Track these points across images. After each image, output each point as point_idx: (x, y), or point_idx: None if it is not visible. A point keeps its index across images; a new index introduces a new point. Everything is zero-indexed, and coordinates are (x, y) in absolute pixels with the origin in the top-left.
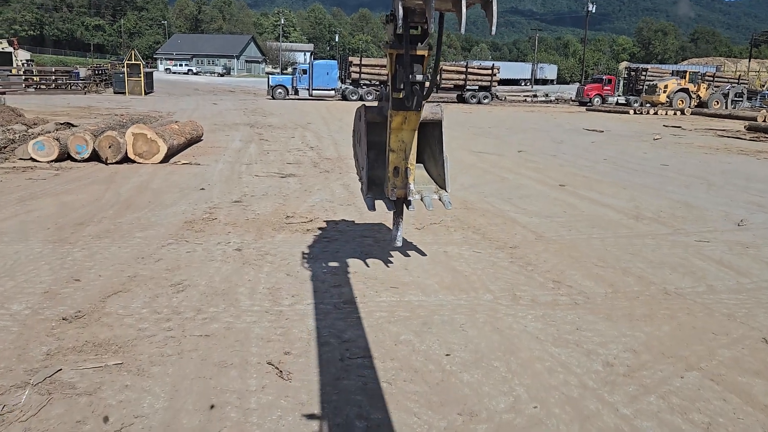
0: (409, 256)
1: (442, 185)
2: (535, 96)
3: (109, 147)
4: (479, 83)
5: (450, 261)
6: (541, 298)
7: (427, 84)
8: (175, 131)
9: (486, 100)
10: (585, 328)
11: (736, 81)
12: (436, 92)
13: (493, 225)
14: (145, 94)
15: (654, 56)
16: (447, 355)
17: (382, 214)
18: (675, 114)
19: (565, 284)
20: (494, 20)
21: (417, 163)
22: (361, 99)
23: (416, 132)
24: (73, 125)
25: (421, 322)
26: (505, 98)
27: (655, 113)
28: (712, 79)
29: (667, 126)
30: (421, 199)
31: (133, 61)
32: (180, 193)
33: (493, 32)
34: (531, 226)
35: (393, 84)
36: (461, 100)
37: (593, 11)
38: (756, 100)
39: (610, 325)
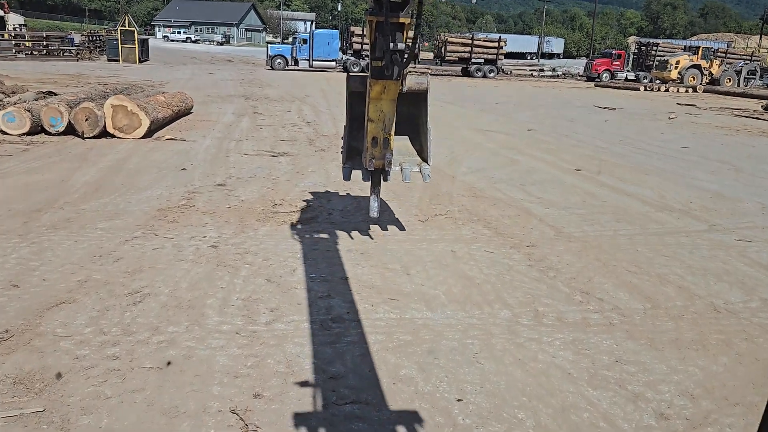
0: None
1: (424, 158)
2: (541, 70)
3: (86, 120)
4: (485, 56)
5: (458, 264)
6: (569, 316)
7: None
8: (161, 103)
9: (492, 74)
10: (626, 359)
11: (749, 58)
12: (416, 63)
13: (506, 217)
14: (140, 62)
15: (662, 31)
16: (459, 400)
17: (383, 209)
18: (687, 91)
19: (595, 296)
20: None
21: (402, 134)
22: (363, 71)
23: (395, 102)
24: (54, 94)
25: (426, 349)
26: (511, 72)
27: (666, 90)
28: (724, 55)
29: (680, 104)
30: (401, 171)
31: (127, 28)
32: (158, 173)
33: (474, 0)
34: (548, 218)
35: (373, 52)
36: (466, 73)
37: None
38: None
39: (656, 356)
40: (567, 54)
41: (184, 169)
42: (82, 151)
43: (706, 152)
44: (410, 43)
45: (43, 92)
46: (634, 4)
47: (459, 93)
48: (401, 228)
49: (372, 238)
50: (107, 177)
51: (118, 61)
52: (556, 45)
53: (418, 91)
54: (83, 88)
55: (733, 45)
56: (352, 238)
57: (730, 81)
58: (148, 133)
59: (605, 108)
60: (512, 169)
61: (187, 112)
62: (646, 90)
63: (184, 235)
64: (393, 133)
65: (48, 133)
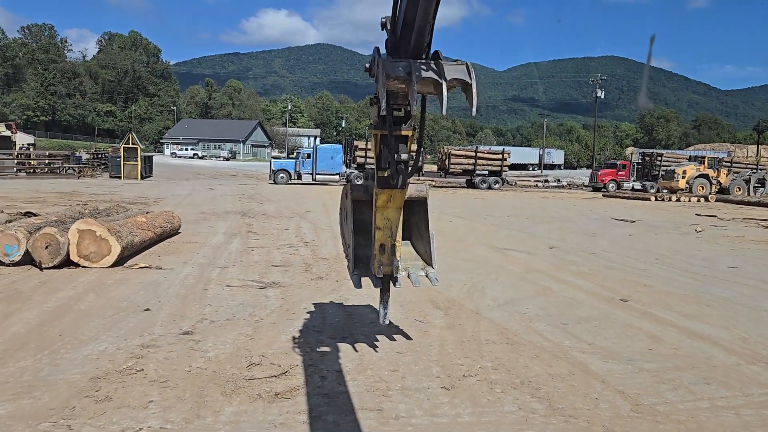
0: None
1: (428, 261)
2: (546, 181)
3: (46, 248)
4: (489, 168)
5: None
6: None
7: (411, 163)
8: (141, 225)
9: (497, 186)
10: None
11: (755, 167)
12: (420, 175)
13: (557, 378)
14: (142, 178)
15: (658, 142)
16: None
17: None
18: (699, 201)
19: None
20: (474, 102)
21: (404, 240)
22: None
23: (402, 210)
24: (34, 215)
25: None
26: (516, 183)
27: (678, 200)
28: (729, 164)
29: (700, 215)
30: (408, 276)
31: (131, 145)
32: (113, 317)
33: (473, 114)
34: (614, 380)
35: (378, 163)
36: (471, 185)
37: (602, 97)
38: None
39: None
40: (567, 165)
41: (147, 309)
42: (32, 287)
43: (760, 274)
44: (413, 154)
45: (22, 213)
46: (626, 117)
47: (467, 205)
48: (421, 403)
49: (381, 423)
50: (46, 324)
51: (120, 177)
52: (557, 156)
53: (419, 198)
54: (58, 209)
55: (732, 155)
56: (350, 425)
57: (740, 190)
58: (120, 261)
59: (623, 220)
60: (546, 300)
61: (173, 233)
62: (657, 200)
63: (111, 428)
64: (400, 239)
65: (2, 264)
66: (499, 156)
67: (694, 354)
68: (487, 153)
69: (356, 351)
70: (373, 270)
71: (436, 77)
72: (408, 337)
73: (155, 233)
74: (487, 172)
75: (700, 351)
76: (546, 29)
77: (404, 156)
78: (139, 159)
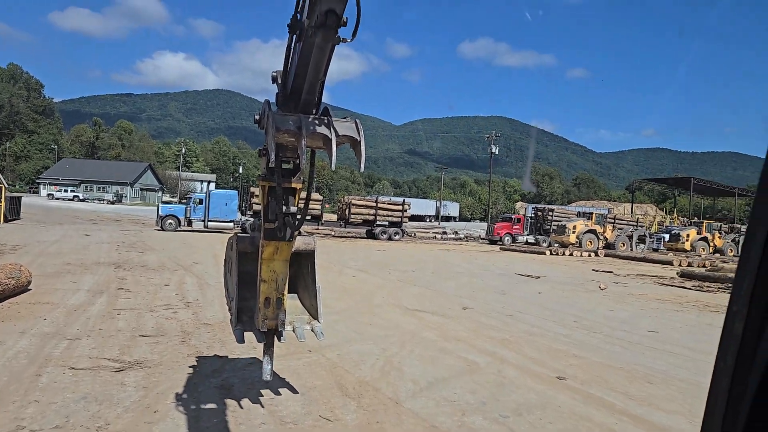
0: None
1: (314, 315)
2: (444, 233)
3: None
4: (389, 218)
5: None
6: None
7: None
8: None
9: (397, 237)
10: None
11: (635, 223)
12: (319, 224)
13: None
14: (6, 221)
15: (543, 197)
16: None
17: None
18: (589, 255)
19: None
20: (363, 159)
21: (290, 293)
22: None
23: (288, 262)
24: None
25: None
26: (415, 234)
27: (571, 254)
28: (613, 221)
29: (597, 270)
30: (293, 331)
31: None
32: None
33: (362, 170)
34: None
35: (265, 215)
36: (371, 235)
37: (496, 153)
38: (653, 242)
39: None
40: (462, 217)
41: None
42: None
43: (680, 339)
44: (302, 206)
45: None
46: (514, 173)
47: (369, 258)
48: None
49: None
50: None
51: None
52: (452, 209)
53: (306, 251)
54: None
55: (613, 212)
56: None
57: (624, 245)
58: None
59: (528, 276)
60: (474, 380)
61: (18, 291)
62: (551, 254)
63: None
64: (286, 293)
65: None
66: (400, 207)
67: None
68: (388, 204)
69: None
70: (257, 324)
71: (326, 133)
72: None
73: None
74: (387, 223)
75: None
76: (440, 87)
77: (293, 208)
78: (2, 199)
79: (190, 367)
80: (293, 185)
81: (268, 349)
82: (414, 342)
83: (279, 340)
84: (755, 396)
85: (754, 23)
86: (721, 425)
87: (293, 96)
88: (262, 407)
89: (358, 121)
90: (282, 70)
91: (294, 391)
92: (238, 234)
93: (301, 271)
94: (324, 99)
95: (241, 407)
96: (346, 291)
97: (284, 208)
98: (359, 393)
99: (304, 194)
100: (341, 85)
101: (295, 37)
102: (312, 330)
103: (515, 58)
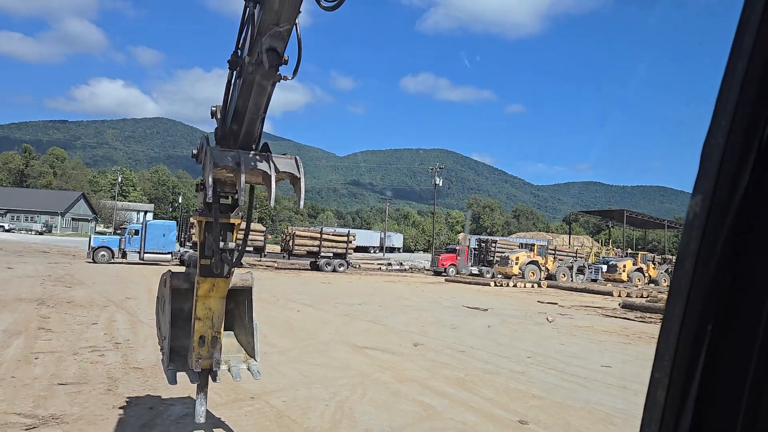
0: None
1: (251, 354)
2: (389, 264)
3: None
4: (334, 250)
5: None
6: None
7: (237, 252)
8: None
9: (341, 268)
10: None
11: (575, 255)
12: (262, 256)
13: None
14: None
15: (484, 229)
16: None
17: None
18: (533, 286)
19: None
20: (302, 195)
21: (226, 330)
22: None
23: (225, 299)
24: None
25: None
26: (360, 266)
27: (515, 285)
28: (554, 252)
29: (542, 302)
30: (229, 370)
31: None
32: None
33: (301, 206)
34: None
35: (202, 251)
36: (315, 267)
37: (440, 184)
38: (592, 272)
39: None
40: (406, 248)
41: None
42: None
43: (637, 373)
44: (240, 242)
45: None
46: (455, 205)
47: (314, 291)
48: None
49: None
50: None
51: None
52: (396, 240)
53: (243, 287)
54: None
55: (553, 243)
56: None
57: (564, 276)
58: None
59: (476, 308)
60: (434, 428)
61: None
62: (495, 285)
63: None
64: (222, 331)
65: None
66: (345, 238)
67: None
68: (333, 235)
69: None
70: (191, 364)
71: (265, 170)
72: None
73: None
74: (332, 255)
75: None
76: (383, 120)
77: (231, 244)
78: None
79: (113, 422)
80: (231, 220)
81: (202, 390)
82: (366, 384)
83: (214, 380)
84: None
85: (679, 73)
86: None
87: (232, 131)
88: None
89: (297, 157)
90: (222, 105)
91: None
92: (172, 270)
93: (238, 308)
94: (267, 129)
95: None
96: (291, 327)
97: (222, 243)
98: None
99: (244, 228)
100: (286, 116)
101: (235, 73)
102: (248, 369)
103: (456, 93)
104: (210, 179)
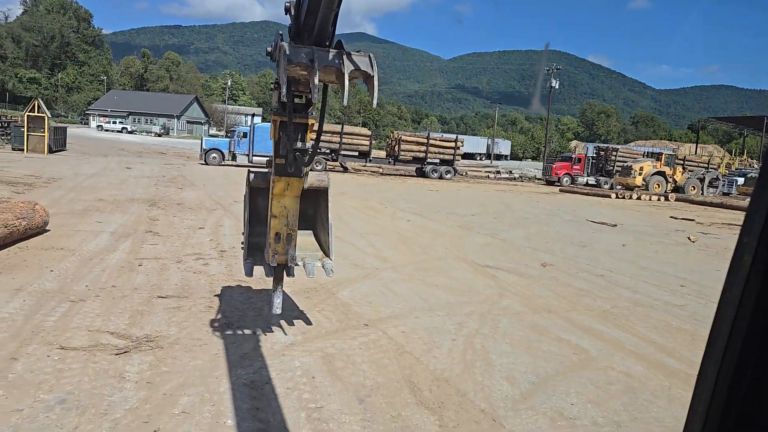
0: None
1: (326, 252)
2: (498, 172)
3: None
4: (441, 156)
5: None
6: None
7: (310, 151)
8: None
9: (448, 176)
10: None
11: (706, 166)
12: (368, 161)
13: None
14: (51, 152)
15: (598, 137)
16: None
17: None
18: (659, 199)
19: None
20: (375, 94)
21: (307, 230)
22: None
23: (299, 198)
24: None
25: None
26: (467, 173)
27: (638, 198)
28: (683, 162)
29: (675, 218)
30: (303, 266)
31: (36, 113)
32: None
33: (374, 105)
34: None
35: (276, 150)
36: (421, 173)
37: (556, 87)
38: (725, 185)
39: None
40: (513, 156)
41: None
42: None
43: None
44: (313, 142)
45: None
46: (566, 111)
47: (422, 199)
48: None
49: None
50: None
51: (23, 150)
52: (504, 147)
53: (320, 188)
54: None
55: (676, 151)
56: None
57: (694, 189)
58: None
59: (602, 223)
60: (592, 381)
61: (33, 232)
62: (618, 197)
63: None
64: (296, 229)
65: None
66: (452, 144)
67: None
68: (440, 140)
69: None
70: (267, 259)
71: (338, 67)
72: None
73: None
74: (438, 161)
75: None
76: (493, 20)
77: (301, 144)
78: (46, 130)
79: (213, 350)
80: (304, 121)
81: (278, 284)
82: (495, 314)
83: (288, 275)
84: None
85: None
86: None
87: (306, 28)
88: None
89: (371, 54)
90: (295, 0)
91: (357, 401)
92: (252, 170)
93: (317, 208)
94: (370, 32)
95: (271, 422)
96: (403, 239)
97: (294, 143)
98: (440, 401)
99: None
100: (387, 17)
101: None
102: (323, 266)
103: None
104: (284, 76)
